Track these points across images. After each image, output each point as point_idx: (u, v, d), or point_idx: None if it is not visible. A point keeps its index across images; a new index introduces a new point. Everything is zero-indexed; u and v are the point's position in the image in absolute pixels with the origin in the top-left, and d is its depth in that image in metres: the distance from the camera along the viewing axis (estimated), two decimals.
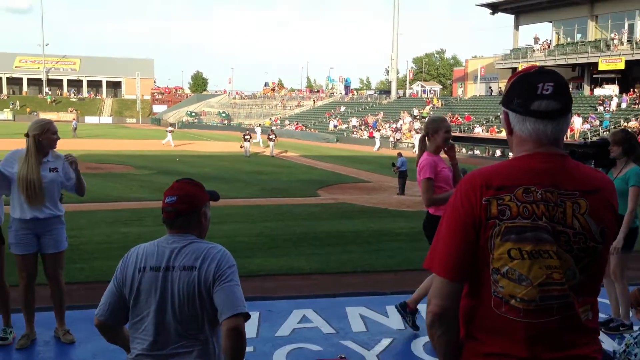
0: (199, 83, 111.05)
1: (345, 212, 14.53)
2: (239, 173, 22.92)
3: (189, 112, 79.60)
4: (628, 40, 40.84)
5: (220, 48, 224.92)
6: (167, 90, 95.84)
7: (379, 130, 48.74)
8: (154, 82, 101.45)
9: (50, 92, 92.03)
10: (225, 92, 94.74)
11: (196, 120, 76.13)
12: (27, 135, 4.65)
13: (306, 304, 5.52)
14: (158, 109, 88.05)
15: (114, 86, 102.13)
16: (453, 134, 27.02)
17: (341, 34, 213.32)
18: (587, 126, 36.59)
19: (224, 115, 77.13)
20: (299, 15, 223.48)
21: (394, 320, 4.87)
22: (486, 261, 1.78)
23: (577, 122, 36.71)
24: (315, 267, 8.75)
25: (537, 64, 45.08)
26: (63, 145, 5.42)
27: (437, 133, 4.88)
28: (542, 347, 1.76)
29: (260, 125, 48.47)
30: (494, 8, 50.51)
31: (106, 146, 35.91)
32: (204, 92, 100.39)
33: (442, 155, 4.99)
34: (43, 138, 4.64)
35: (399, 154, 20.17)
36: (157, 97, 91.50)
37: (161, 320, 2.42)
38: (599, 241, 1.78)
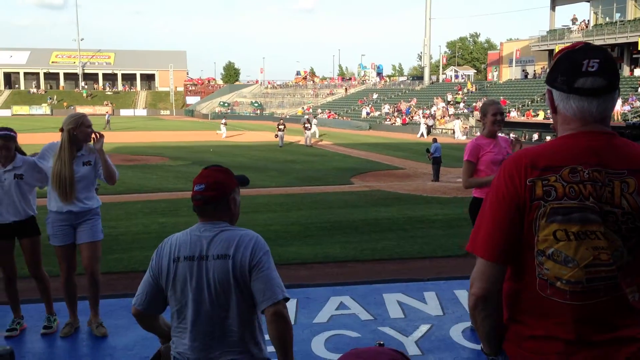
0: (231, 74, 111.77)
1: (379, 199, 14.48)
2: (272, 162, 23.02)
3: (221, 103, 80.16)
4: None
5: (251, 38, 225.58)
6: (199, 81, 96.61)
7: (414, 116, 48.29)
8: (187, 73, 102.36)
9: (86, 87, 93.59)
10: (257, 82, 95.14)
11: (229, 111, 76.64)
12: (61, 129, 4.70)
13: (343, 290, 5.50)
14: (191, 100, 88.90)
15: (148, 79, 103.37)
16: None
17: (372, 20, 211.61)
18: (627, 107, 35.65)
19: (256, 105, 77.47)
20: (329, 3, 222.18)
21: (432, 306, 4.83)
22: (531, 243, 1.74)
23: (617, 103, 35.78)
24: (350, 255, 8.74)
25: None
26: None
27: (486, 116, 4.87)
28: (588, 329, 1.72)
29: (315, 117, 47.41)
30: None
31: (141, 138, 36.42)
32: (236, 83, 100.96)
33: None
34: (78, 132, 4.69)
35: (434, 140, 20.05)
36: (190, 88, 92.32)
37: (199, 309, 2.43)
38: None
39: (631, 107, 35.67)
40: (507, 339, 1.86)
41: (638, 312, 1.78)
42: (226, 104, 79.79)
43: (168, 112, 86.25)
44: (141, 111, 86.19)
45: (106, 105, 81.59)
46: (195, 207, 2.55)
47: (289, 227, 10.70)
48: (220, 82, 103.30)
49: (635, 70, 42.61)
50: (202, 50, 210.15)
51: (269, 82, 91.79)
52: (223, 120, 41.72)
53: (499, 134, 5.02)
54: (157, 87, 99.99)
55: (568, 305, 1.72)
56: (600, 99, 1.75)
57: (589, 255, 1.69)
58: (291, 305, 5.07)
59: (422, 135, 41.03)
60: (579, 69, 1.74)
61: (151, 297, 2.52)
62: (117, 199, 13.30)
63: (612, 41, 42.70)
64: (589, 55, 1.74)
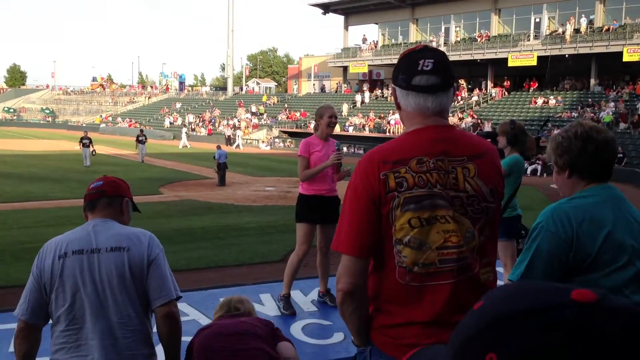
0: (16, 77, 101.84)
1: (191, 208, 14.40)
2: (70, 172, 21.58)
3: (5, 109, 72.91)
4: (445, 43, 44.56)
5: (39, 39, 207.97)
6: None
7: (219, 127, 48.36)
8: None
9: None
10: (47, 87, 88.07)
11: (15, 118, 70.08)
12: None
13: None
14: None
15: None
16: (290, 129, 27.85)
17: (173, 29, 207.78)
18: None
19: (47, 111, 71.75)
20: (126, 7, 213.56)
21: (270, 307, 4.97)
22: (389, 233, 1.83)
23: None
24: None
25: (366, 62, 47.69)
26: None
27: (322, 118, 5.23)
28: (444, 310, 1.81)
29: (185, 127, 45.57)
30: (325, 8, 52.37)
31: None
32: (23, 87, 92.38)
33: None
34: None
35: (218, 147, 21.19)
36: None
37: (95, 306, 2.31)
38: (491, 200, 1.90)
39: None
40: (373, 329, 1.92)
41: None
42: (11, 110, 72.76)
43: None
44: None
45: None
46: (87, 203, 2.49)
47: None
48: (3, 85, 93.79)
49: None
50: None
51: (60, 88, 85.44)
52: (184, 130, 37.85)
53: (331, 138, 5.44)
54: None
55: (424, 287, 1.82)
56: (434, 95, 1.88)
57: (440, 238, 1.80)
58: None
59: (238, 146, 41.21)
60: (416, 68, 1.87)
61: (34, 304, 2.34)
62: None
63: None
64: (425, 55, 1.88)
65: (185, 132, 41.23)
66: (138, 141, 27.22)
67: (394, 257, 1.83)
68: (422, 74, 1.86)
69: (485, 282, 1.89)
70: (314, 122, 5.53)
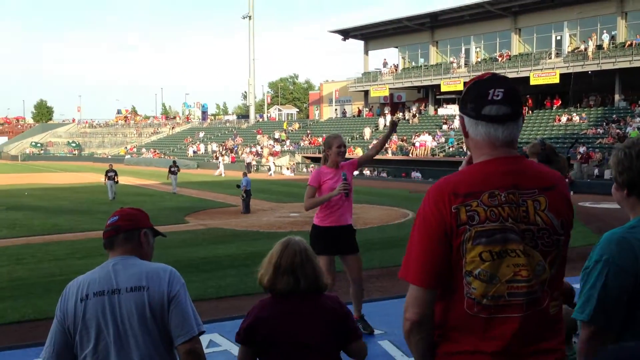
0: (43, 112, 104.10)
1: (217, 237, 14.39)
2: (98, 204, 21.78)
3: (33, 143, 74.50)
4: (465, 64, 44.51)
5: (65, 75, 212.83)
6: (6, 120, 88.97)
7: (242, 154, 48.67)
8: None
9: None
10: (74, 120, 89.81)
11: (42, 152, 71.48)
12: None
13: (209, 328, 5.40)
14: None
15: None
16: (312, 155, 27.72)
17: (195, 59, 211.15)
18: (434, 143, 39.27)
19: (73, 145, 73.10)
20: (149, 40, 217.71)
21: None
22: (459, 265, 1.83)
23: (427, 139, 39.35)
24: (193, 294, 8.44)
25: (387, 86, 47.76)
26: None
27: (331, 148, 5.33)
28: (514, 341, 1.81)
29: (222, 155, 46.46)
30: (345, 34, 52.82)
31: None
32: (50, 122, 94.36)
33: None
34: None
35: (244, 174, 21.17)
36: None
37: (119, 348, 2.28)
38: (561, 233, 1.89)
39: (437, 143, 39.34)
40: (438, 355, 1.91)
41: (557, 323, 1.91)
42: (39, 145, 74.25)
43: None
44: None
45: None
46: (105, 241, 2.45)
47: None
48: (30, 121, 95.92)
49: (438, 109, 47.10)
50: (9, 87, 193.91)
51: (85, 122, 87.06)
52: (221, 158, 38.79)
53: (343, 162, 5.47)
54: None
55: (492, 319, 1.82)
56: (504, 126, 1.87)
57: (510, 272, 1.80)
58: None
59: (271, 174, 41.32)
60: (486, 98, 1.86)
61: (60, 347, 2.32)
62: None
63: (419, 83, 46.91)
64: (494, 85, 1.87)
65: (222, 161, 41.90)
66: (171, 172, 27.25)
67: (463, 287, 1.84)
68: (493, 103, 1.85)
69: (554, 315, 1.90)
70: (322, 153, 5.60)
